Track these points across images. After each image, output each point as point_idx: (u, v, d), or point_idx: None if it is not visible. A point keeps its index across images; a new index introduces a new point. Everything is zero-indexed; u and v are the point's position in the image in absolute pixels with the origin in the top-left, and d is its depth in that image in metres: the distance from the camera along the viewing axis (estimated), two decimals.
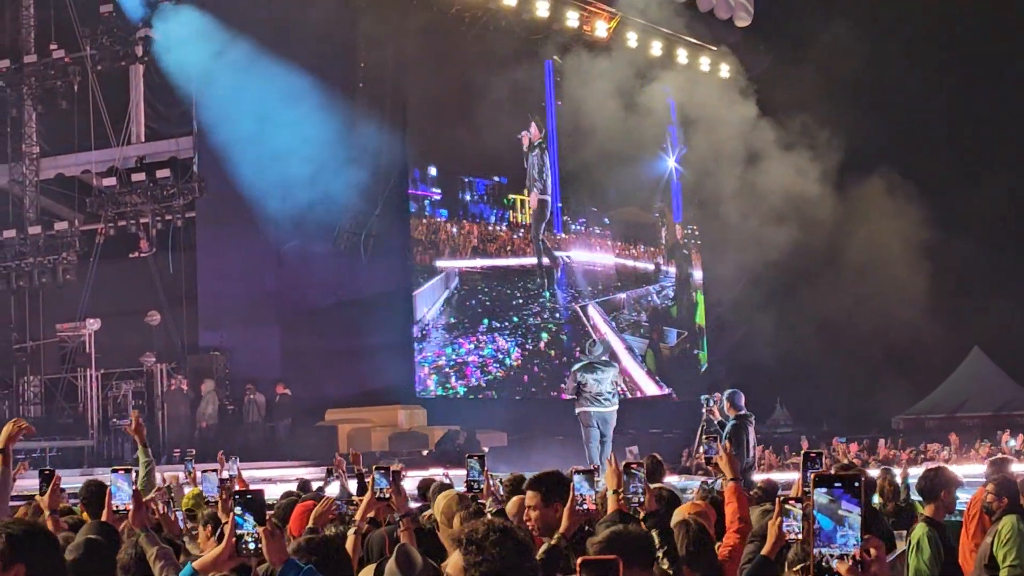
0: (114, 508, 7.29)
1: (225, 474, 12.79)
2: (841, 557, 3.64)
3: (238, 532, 5.07)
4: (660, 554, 7.10)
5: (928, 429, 42.49)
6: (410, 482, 13.80)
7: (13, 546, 5.67)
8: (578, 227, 41.86)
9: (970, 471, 21.00)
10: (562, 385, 26.62)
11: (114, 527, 7.17)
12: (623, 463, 8.27)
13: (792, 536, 7.19)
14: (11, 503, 10.87)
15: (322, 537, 6.49)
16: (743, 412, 18.36)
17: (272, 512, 9.20)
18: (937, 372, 46.29)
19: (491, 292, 38.23)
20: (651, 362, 43.63)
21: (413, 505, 10.17)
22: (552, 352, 39.73)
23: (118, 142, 34.45)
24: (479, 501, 9.73)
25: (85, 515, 9.39)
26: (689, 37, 42.13)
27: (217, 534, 9.09)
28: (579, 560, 4.29)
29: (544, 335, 39.84)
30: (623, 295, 43.63)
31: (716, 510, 9.03)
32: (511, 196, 39.52)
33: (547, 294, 40.54)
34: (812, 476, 3.79)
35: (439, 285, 36.43)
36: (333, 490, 14.63)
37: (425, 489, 12.21)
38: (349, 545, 6.62)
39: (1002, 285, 42.73)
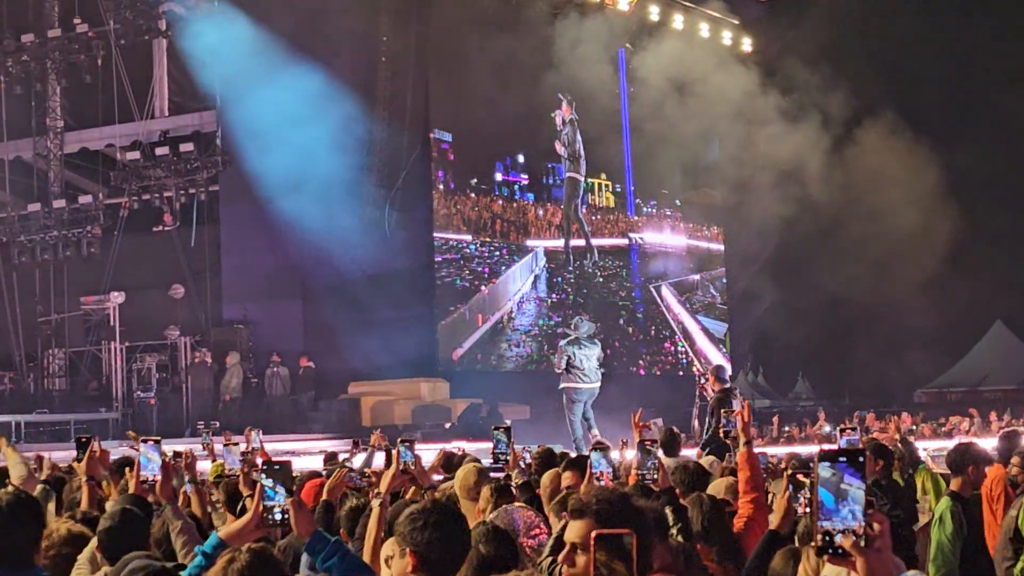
0: (142, 479, 7.35)
1: (247, 447, 12.85)
2: (844, 532, 3.66)
3: (265, 503, 5.12)
4: (674, 531, 7.14)
5: (950, 402, 42.44)
6: (430, 454, 13.86)
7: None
8: (650, 209, 42.29)
9: (989, 445, 20.97)
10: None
11: (145, 499, 7.23)
12: (638, 440, 8.30)
13: (802, 510, 7.20)
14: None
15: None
16: (727, 386, 18.45)
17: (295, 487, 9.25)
18: (959, 346, 46.22)
19: (574, 271, 38.84)
20: (728, 345, 43.94)
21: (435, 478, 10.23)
22: (630, 329, 40.74)
23: (142, 116, 34.52)
24: (505, 473, 9.78)
25: (110, 489, 9.42)
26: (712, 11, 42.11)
27: (239, 506, 9.18)
28: (593, 534, 4.30)
29: (623, 312, 40.54)
30: (696, 276, 44.39)
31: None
32: (589, 180, 39.97)
33: (624, 272, 41.21)
34: (818, 452, 3.82)
35: (530, 263, 37.79)
36: (358, 462, 14.71)
37: (448, 462, 12.25)
38: (374, 516, 6.65)
39: None
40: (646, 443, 8.04)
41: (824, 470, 3.68)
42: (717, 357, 41.71)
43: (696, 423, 27.99)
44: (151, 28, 33.91)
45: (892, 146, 41.02)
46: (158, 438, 7.60)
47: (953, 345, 45.81)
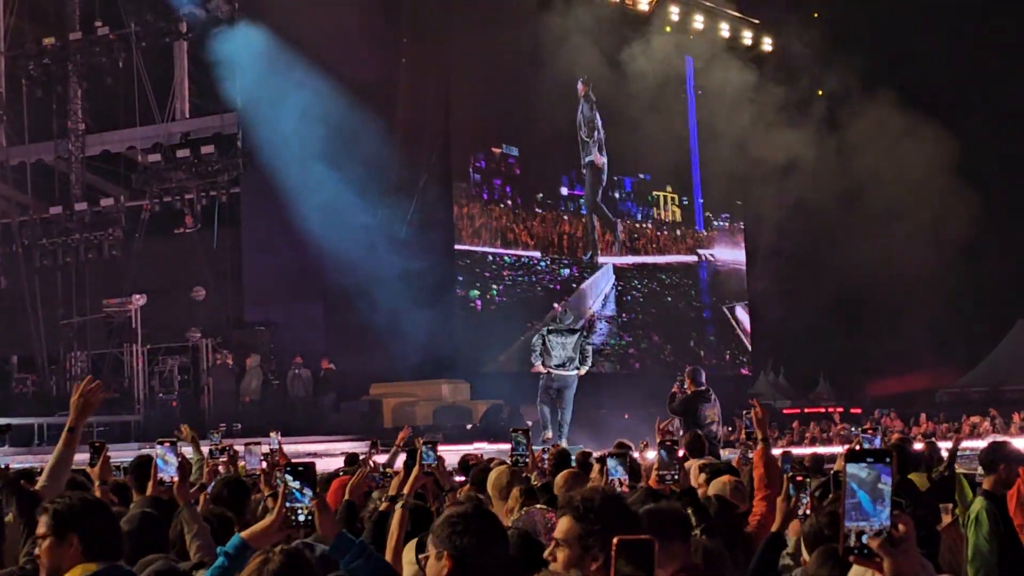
0: (159, 480, 7.35)
1: (267, 448, 12.84)
2: (875, 532, 3.65)
3: (289, 504, 5.12)
4: (697, 531, 7.12)
5: (971, 403, 42.29)
6: (453, 456, 13.86)
7: (65, 516, 5.76)
8: (721, 223, 42.09)
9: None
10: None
11: (165, 501, 7.23)
12: (660, 440, 8.28)
13: (802, 511, 7.18)
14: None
15: None
16: (700, 389, 18.41)
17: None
18: (981, 346, 46.11)
19: (643, 288, 38.80)
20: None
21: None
22: (702, 352, 40.99)
23: (163, 118, 34.61)
24: (524, 475, 9.77)
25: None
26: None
27: (260, 508, 9.17)
28: (615, 540, 4.31)
29: (693, 335, 40.45)
30: None
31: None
32: (655, 193, 39.92)
33: (692, 291, 41.05)
34: (844, 452, 3.80)
35: (601, 279, 38.07)
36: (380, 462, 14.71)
37: (467, 465, 12.24)
38: (396, 518, 6.66)
39: None
40: (667, 443, 8.02)
41: (859, 470, 3.66)
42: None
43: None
44: (172, 31, 34.00)
45: (910, 137, 40.88)
46: (175, 439, 7.60)
47: (975, 345, 45.70)
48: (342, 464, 14.65)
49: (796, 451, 20.00)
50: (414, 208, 33.50)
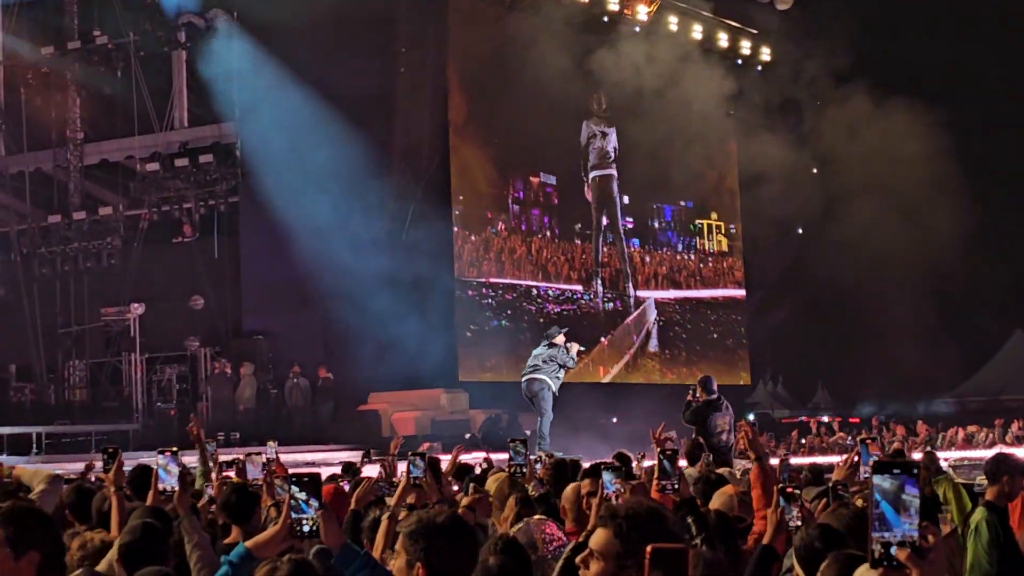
0: (160, 490, 7.35)
1: (264, 458, 12.85)
2: (900, 544, 3.66)
3: (294, 515, 5.14)
4: (697, 541, 7.12)
5: (971, 412, 42.33)
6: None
7: (24, 534, 5.68)
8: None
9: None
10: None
11: (165, 511, 7.24)
12: (659, 450, 8.27)
13: (793, 524, 7.18)
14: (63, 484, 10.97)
15: None
16: (711, 398, 18.43)
17: None
18: (980, 355, 46.15)
19: (687, 324, 38.79)
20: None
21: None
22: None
23: (161, 127, 34.62)
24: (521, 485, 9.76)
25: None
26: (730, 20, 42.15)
27: (264, 517, 9.17)
28: (649, 548, 4.31)
29: (742, 375, 40.39)
30: None
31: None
32: (698, 222, 39.80)
33: (740, 329, 40.85)
34: (871, 462, 3.81)
35: (645, 313, 38.25)
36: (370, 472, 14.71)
37: (461, 473, 12.22)
38: (382, 529, 6.68)
39: None
40: (667, 453, 8.02)
41: (883, 481, 3.68)
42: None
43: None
44: (170, 40, 34.01)
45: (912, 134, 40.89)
46: (175, 449, 7.61)
47: (974, 354, 45.74)
48: (340, 472, 14.65)
49: (795, 460, 20.01)
50: (412, 217, 33.48)
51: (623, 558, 4.74)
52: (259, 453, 12.38)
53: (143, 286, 34.22)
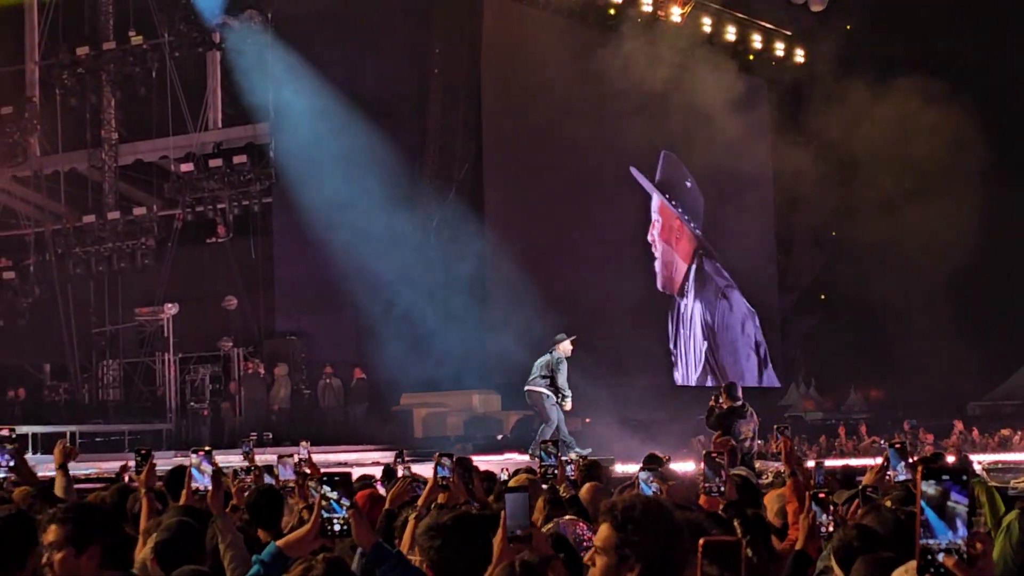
0: (194, 490, 7.36)
1: (296, 459, 12.87)
2: (948, 551, 3.63)
3: (325, 514, 5.14)
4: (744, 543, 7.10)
5: (1005, 415, 42.08)
6: (487, 467, 13.82)
7: (86, 527, 5.75)
8: None
9: None
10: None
11: (201, 510, 7.25)
12: (705, 452, 8.26)
13: (824, 529, 7.16)
14: (96, 484, 11.03)
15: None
16: (736, 404, 18.32)
17: None
18: (1014, 359, 45.87)
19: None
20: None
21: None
22: None
23: (195, 128, 34.71)
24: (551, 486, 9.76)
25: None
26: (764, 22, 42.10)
27: (297, 518, 9.18)
28: (701, 542, 4.32)
29: None
30: None
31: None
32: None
33: None
34: (920, 468, 3.80)
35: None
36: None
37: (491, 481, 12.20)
38: (408, 529, 6.71)
39: None
40: (712, 455, 8.01)
41: (929, 488, 3.65)
42: None
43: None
44: (205, 41, 34.08)
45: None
46: (209, 448, 7.62)
47: (1008, 358, 45.48)
48: (375, 475, 14.63)
49: (828, 463, 19.94)
50: (445, 217, 33.47)
51: (621, 548, 4.80)
52: (291, 455, 12.40)
53: (177, 286, 34.31)
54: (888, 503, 8.38)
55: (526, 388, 24.80)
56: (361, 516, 5.20)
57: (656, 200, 39.91)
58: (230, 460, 16.78)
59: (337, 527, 5.13)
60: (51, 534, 5.80)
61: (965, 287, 40.54)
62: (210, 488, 7.21)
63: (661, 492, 7.39)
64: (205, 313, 34.23)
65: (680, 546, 4.84)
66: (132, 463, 9.34)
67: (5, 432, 8.64)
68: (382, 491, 10.79)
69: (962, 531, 3.62)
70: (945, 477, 3.66)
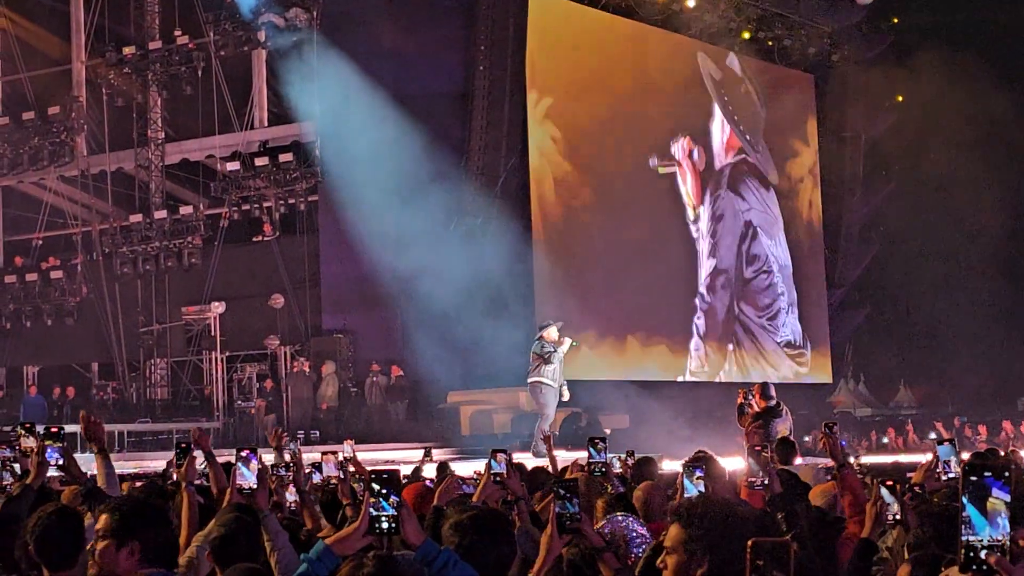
0: (239, 487, 7.33)
1: (342, 456, 12.86)
2: (990, 547, 3.57)
3: (373, 512, 5.09)
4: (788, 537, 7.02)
5: None
6: (534, 463, 13.77)
7: (130, 521, 5.73)
8: None
9: None
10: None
11: (251, 507, 7.21)
12: (748, 445, 8.20)
13: (891, 517, 7.13)
14: (138, 483, 11.04)
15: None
16: (771, 404, 18.15)
17: None
18: None
19: None
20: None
21: None
22: None
23: (241, 127, 34.79)
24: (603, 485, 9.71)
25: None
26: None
27: (340, 516, 9.15)
28: (749, 542, 4.35)
29: None
30: None
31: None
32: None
33: None
34: (962, 464, 3.75)
35: None
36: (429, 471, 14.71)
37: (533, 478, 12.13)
38: None
39: None
40: (756, 449, 7.94)
41: (972, 484, 3.59)
42: None
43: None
44: (250, 39, 34.15)
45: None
46: (254, 447, 7.59)
47: None
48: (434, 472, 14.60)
49: (876, 459, 19.83)
50: (492, 215, 33.45)
51: (689, 544, 5.01)
52: (335, 452, 12.38)
53: (223, 285, 34.42)
54: (936, 500, 8.30)
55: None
56: (410, 513, 5.15)
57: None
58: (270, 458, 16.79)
59: (385, 524, 5.08)
60: (101, 522, 5.83)
61: (1016, 275, 40.28)
62: (255, 486, 7.16)
63: (708, 490, 7.30)
64: (252, 311, 34.33)
65: (744, 538, 4.87)
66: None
67: (54, 431, 8.63)
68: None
69: (1005, 528, 3.57)
70: (987, 473, 3.60)
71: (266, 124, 35.22)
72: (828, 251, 43.73)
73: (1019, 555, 3.55)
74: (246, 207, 34.33)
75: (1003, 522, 3.57)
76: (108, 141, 36.75)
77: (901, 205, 42.32)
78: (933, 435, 34.69)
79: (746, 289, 40.56)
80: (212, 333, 34.08)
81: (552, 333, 24.64)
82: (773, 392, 18.36)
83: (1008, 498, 3.59)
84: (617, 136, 36.28)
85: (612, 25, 36.43)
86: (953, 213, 40.79)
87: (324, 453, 12.38)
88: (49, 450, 8.43)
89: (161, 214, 35.07)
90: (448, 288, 30.77)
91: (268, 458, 14.00)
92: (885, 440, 37.96)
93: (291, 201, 33.83)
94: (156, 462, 22.48)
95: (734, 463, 14.17)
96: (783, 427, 18.00)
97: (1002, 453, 17.00)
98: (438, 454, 22.28)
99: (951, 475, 9.12)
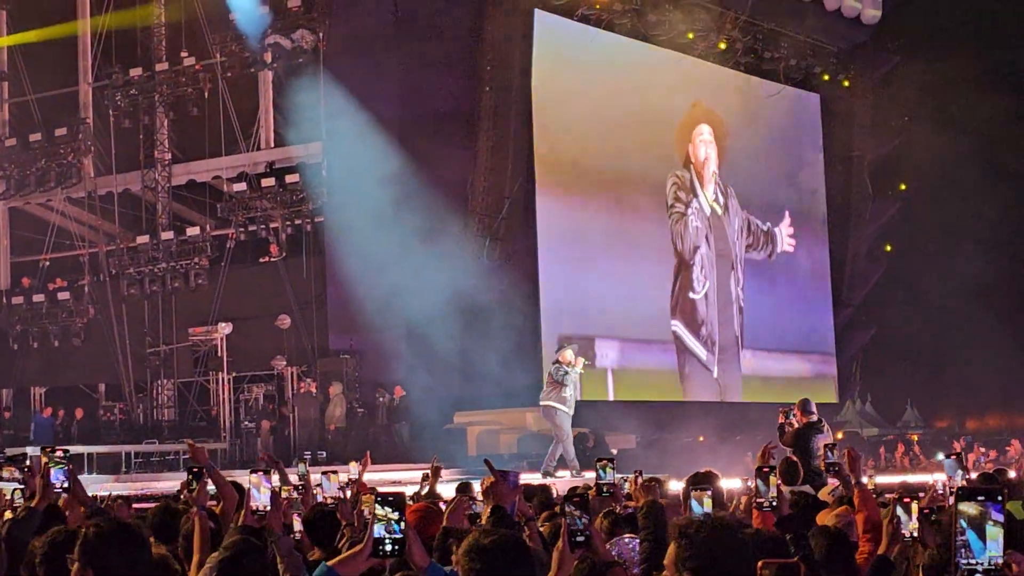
0: (252, 509, 7.33)
1: (345, 477, 12.84)
2: (987, 572, 3.57)
3: (377, 534, 5.08)
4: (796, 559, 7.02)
5: None
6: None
7: (86, 548, 5.70)
8: None
9: None
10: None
11: (259, 529, 7.21)
12: (756, 467, 8.19)
13: (907, 533, 7.13)
14: (148, 504, 11.01)
15: None
16: (813, 419, 18.05)
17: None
18: None
19: None
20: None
21: None
22: None
23: (248, 148, 34.82)
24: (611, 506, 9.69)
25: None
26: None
27: (344, 539, 9.14)
28: (760, 564, 4.35)
29: None
30: None
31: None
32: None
33: None
34: (955, 488, 3.75)
35: None
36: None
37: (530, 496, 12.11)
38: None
39: None
40: (763, 470, 7.93)
41: (969, 507, 3.60)
42: None
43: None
44: (256, 60, 34.21)
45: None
46: (268, 468, 7.60)
47: None
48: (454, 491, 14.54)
49: (884, 479, 19.80)
50: (499, 235, 33.47)
51: (678, 563, 5.01)
52: (335, 472, 12.37)
53: (230, 306, 34.41)
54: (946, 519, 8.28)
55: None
56: (415, 536, 5.15)
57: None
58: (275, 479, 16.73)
59: (389, 547, 5.07)
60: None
61: (1019, 300, 40.26)
62: (268, 508, 7.17)
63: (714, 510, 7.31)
64: (258, 332, 34.30)
65: (738, 561, 4.94)
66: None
67: (60, 453, 8.62)
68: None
69: (999, 550, 3.57)
70: (982, 497, 3.61)
71: (272, 145, 35.24)
72: (834, 271, 43.71)
73: None
74: (252, 228, 34.35)
75: (999, 545, 3.58)
76: (115, 162, 36.81)
77: (907, 224, 42.34)
78: (941, 455, 34.61)
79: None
80: (219, 354, 34.08)
81: (568, 355, 24.62)
82: (813, 408, 18.24)
83: (1002, 520, 3.60)
84: (625, 157, 36.32)
85: (618, 46, 36.44)
86: (960, 232, 40.78)
87: (325, 472, 12.37)
88: (54, 472, 8.42)
89: (168, 235, 35.12)
90: (454, 308, 30.77)
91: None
92: (893, 459, 37.96)
93: (297, 222, 33.85)
94: (163, 483, 22.46)
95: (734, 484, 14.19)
96: (825, 442, 17.93)
97: (1012, 473, 16.97)
98: (445, 475, 22.23)
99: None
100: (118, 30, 36.43)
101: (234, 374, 34.16)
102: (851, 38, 42.77)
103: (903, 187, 43.93)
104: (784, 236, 41.25)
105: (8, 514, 9.02)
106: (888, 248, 44.87)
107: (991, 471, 14.70)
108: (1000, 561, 3.57)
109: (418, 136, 31.58)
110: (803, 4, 40.05)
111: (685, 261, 37.86)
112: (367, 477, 14.42)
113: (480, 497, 10.41)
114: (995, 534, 3.58)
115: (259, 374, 34.26)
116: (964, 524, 3.60)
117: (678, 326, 37.38)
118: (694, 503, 7.16)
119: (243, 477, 8.21)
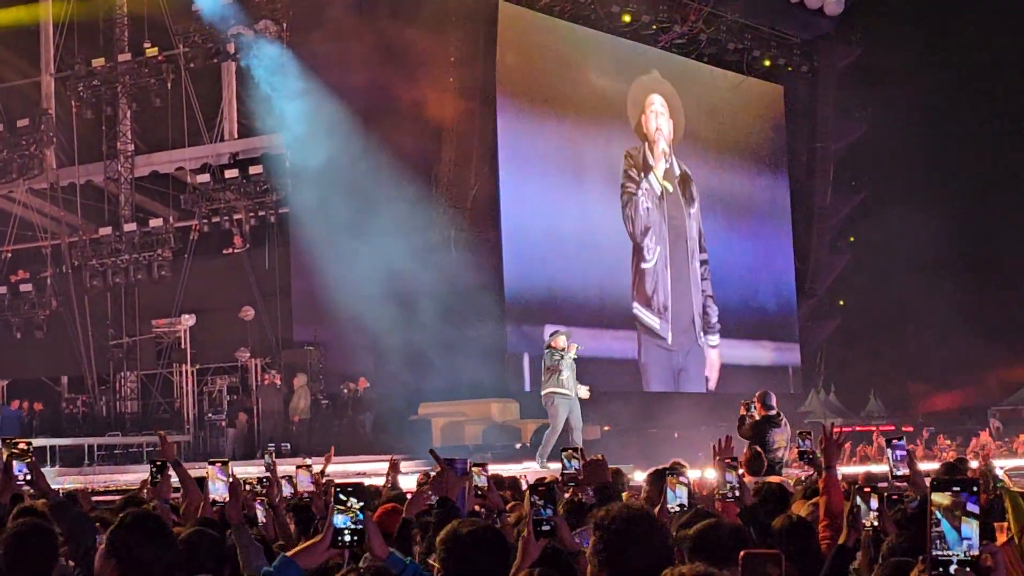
0: (211, 500, 7.30)
1: (316, 468, 12.82)
2: (961, 563, 3.56)
3: (336, 525, 5.05)
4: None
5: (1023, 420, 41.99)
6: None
7: (112, 540, 5.69)
8: None
9: None
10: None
11: (217, 521, 7.19)
12: (717, 458, 8.18)
13: (868, 523, 7.15)
14: (114, 496, 10.95)
15: None
16: (770, 413, 18.08)
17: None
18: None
19: None
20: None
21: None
22: None
23: (211, 139, 34.72)
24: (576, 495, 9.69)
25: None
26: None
27: (312, 531, 9.12)
28: (741, 554, 4.35)
29: None
30: None
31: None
32: None
33: None
34: (930, 480, 3.73)
35: None
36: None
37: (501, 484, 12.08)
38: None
39: None
40: (726, 461, 7.93)
41: (943, 498, 3.58)
42: None
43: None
44: (220, 51, 34.08)
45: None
46: (225, 460, 7.57)
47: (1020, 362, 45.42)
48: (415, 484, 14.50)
49: (848, 470, 19.86)
50: (463, 227, 33.41)
51: (594, 553, 5.07)
52: (309, 466, 12.35)
53: (194, 297, 34.32)
54: (906, 506, 8.28)
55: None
56: (374, 527, 5.12)
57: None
58: (247, 471, 16.72)
59: (348, 537, 5.04)
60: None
61: (985, 289, 40.41)
62: (227, 499, 7.14)
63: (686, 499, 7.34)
64: (222, 324, 34.23)
65: (640, 554, 5.00)
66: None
67: (22, 445, 8.56)
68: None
69: (975, 541, 3.55)
70: (957, 488, 3.59)
71: (236, 136, 35.17)
72: (799, 262, 43.79)
73: (988, 570, 3.54)
74: (216, 219, 34.26)
75: (974, 536, 3.56)
76: (77, 154, 36.64)
77: (871, 215, 42.46)
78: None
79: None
80: (182, 346, 33.98)
81: (560, 341, 24.48)
82: (773, 401, 18.24)
83: (976, 511, 3.58)
84: (590, 147, 36.32)
85: (580, 36, 36.42)
86: (923, 223, 40.87)
87: (299, 467, 12.34)
88: (16, 465, 8.37)
89: (131, 227, 34.98)
90: (419, 299, 30.73)
91: (240, 471, 14.01)
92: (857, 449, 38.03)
93: (261, 213, 33.78)
94: (126, 476, 22.36)
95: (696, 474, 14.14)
96: (781, 437, 17.92)
97: (974, 464, 17.00)
98: (409, 466, 22.20)
99: (901, 472, 8.95)
100: (80, 21, 36.23)
101: (198, 366, 34.06)
102: (815, 29, 42.81)
103: (866, 178, 44.08)
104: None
105: None
106: (852, 239, 44.99)
107: (952, 461, 14.72)
108: (976, 552, 3.56)
109: (383, 125, 31.47)
110: None
111: (637, 243, 37.77)
112: (331, 469, 14.39)
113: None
114: (970, 525, 3.57)
115: (223, 366, 34.17)
116: (939, 515, 3.58)
117: (638, 308, 37.33)
118: (669, 491, 7.18)
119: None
